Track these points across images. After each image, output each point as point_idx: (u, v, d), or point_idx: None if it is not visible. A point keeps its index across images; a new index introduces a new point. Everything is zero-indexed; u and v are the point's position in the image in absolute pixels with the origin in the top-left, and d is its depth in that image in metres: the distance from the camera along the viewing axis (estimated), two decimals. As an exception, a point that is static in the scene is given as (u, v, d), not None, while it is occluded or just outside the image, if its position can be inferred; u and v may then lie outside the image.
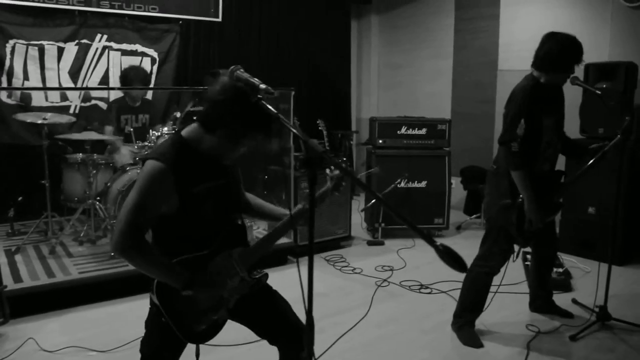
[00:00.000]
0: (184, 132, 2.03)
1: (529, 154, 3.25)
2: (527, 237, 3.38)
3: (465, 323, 3.58)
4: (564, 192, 3.45)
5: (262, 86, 1.87)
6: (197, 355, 2.17)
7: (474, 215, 6.29)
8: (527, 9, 6.26)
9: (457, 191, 6.48)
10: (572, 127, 5.23)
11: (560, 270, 4.51)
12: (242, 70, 1.99)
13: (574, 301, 4.07)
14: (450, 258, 1.49)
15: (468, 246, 5.28)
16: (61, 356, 3.23)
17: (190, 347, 2.12)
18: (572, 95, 5.27)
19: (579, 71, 4.91)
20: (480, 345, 3.45)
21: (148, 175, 1.88)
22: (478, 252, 3.59)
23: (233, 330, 2.24)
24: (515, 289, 4.32)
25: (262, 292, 2.22)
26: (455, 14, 7.06)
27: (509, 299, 4.13)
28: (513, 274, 4.63)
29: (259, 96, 1.90)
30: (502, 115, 3.43)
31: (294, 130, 1.82)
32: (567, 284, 4.35)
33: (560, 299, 4.10)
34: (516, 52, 6.32)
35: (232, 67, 1.98)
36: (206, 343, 2.10)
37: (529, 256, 4.82)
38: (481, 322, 3.67)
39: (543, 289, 3.93)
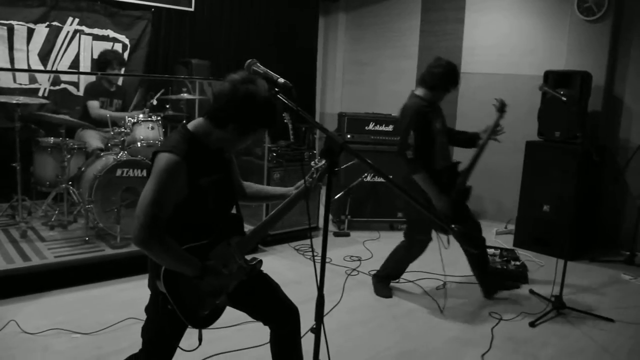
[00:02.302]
0: (190, 126, 2.11)
1: (427, 156, 3.82)
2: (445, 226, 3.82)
3: (383, 280, 4.28)
4: (465, 178, 4.02)
5: (281, 80, 1.99)
6: (200, 339, 2.26)
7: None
8: (491, 16, 6.54)
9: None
10: (530, 130, 5.57)
11: (518, 263, 4.81)
12: (258, 64, 2.10)
13: (532, 292, 4.37)
14: (465, 239, 1.66)
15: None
16: (44, 338, 3.25)
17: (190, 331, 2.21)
18: (531, 100, 5.63)
19: (539, 77, 5.28)
20: (390, 296, 4.19)
21: (165, 168, 1.94)
22: (406, 238, 4.18)
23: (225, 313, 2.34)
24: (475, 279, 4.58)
25: (256, 276, 2.33)
26: (421, 16, 7.28)
27: (471, 288, 4.39)
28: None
29: (275, 89, 2.02)
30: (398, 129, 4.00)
31: (314, 123, 1.96)
32: (525, 276, 4.64)
33: (518, 290, 4.44)
34: (479, 56, 6.62)
35: (248, 61, 2.09)
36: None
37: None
38: (447, 309, 3.93)
39: (486, 277, 4.36)
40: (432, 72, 3.86)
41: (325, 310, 3.75)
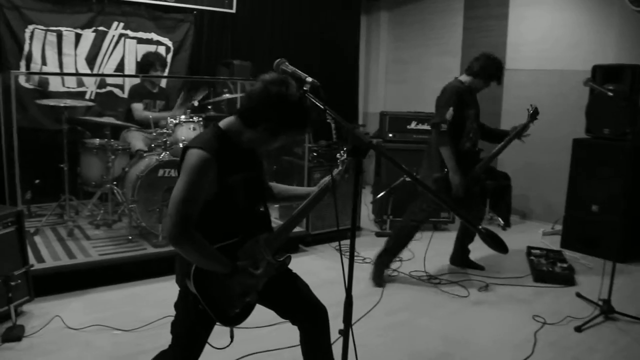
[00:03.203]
0: (222, 124, 2.11)
1: (455, 135, 4.11)
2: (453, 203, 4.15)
3: (382, 262, 4.39)
4: (483, 167, 4.33)
5: (309, 79, 1.97)
6: (232, 337, 2.27)
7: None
8: (535, 10, 6.36)
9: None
10: (577, 127, 5.38)
11: (565, 265, 4.66)
12: (287, 63, 2.09)
13: (578, 295, 4.20)
14: (493, 241, 1.60)
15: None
16: (87, 334, 3.34)
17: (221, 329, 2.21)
18: (578, 96, 5.43)
19: (586, 72, 5.09)
20: (382, 286, 4.30)
21: (195, 165, 1.93)
22: (409, 209, 4.44)
23: (257, 313, 2.32)
24: (520, 281, 4.48)
25: (284, 275, 2.32)
26: (464, 13, 7.16)
27: (515, 291, 4.28)
28: (517, 267, 4.79)
29: (304, 88, 2.01)
30: (435, 105, 4.24)
31: (341, 121, 1.93)
32: (571, 279, 4.48)
33: (564, 293, 4.27)
34: (523, 52, 6.44)
35: (277, 60, 2.08)
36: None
37: (532, 251, 5.00)
38: (487, 311, 3.82)
39: (462, 251, 4.78)
40: (478, 61, 4.20)
41: (364, 311, 3.78)
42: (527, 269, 4.77)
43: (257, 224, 2.22)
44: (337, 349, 2.29)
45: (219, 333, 2.22)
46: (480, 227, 1.62)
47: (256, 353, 3.14)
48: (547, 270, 4.57)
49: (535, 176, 6.43)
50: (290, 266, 2.34)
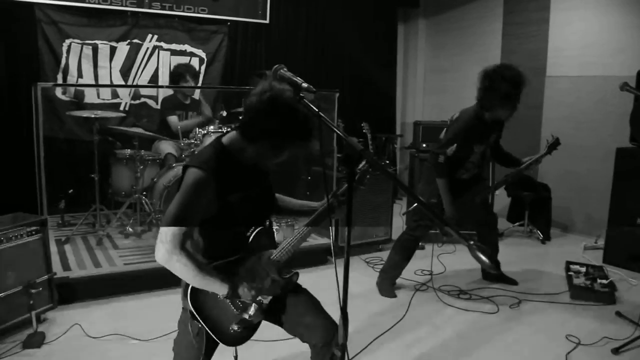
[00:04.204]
0: (224, 140, 2.06)
1: (453, 167, 3.91)
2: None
3: (387, 278, 4.33)
4: (486, 194, 4.26)
5: (305, 85, 1.89)
6: (236, 357, 2.21)
7: (517, 223, 6.18)
8: (578, 14, 6.10)
9: (501, 198, 6.37)
10: (622, 136, 5.11)
11: (605, 282, 4.39)
12: (285, 69, 2.02)
13: (618, 314, 3.94)
14: (480, 256, 1.50)
15: (509, 253, 5.24)
16: (104, 343, 3.35)
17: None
18: (623, 104, 5.16)
19: (630, 78, 4.82)
20: (394, 296, 4.22)
21: (192, 184, 1.90)
22: (407, 224, 4.39)
23: (266, 327, 2.27)
24: (555, 298, 4.25)
25: (293, 292, 2.24)
26: (504, 19, 6.95)
27: (549, 308, 4.08)
28: (554, 282, 4.56)
29: (300, 95, 1.93)
30: (446, 128, 4.02)
31: (335, 129, 1.85)
32: (612, 296, 4.22)
33: (603, 312, 4.02)
34: (566, 57, 6.19)
35: (275, 66, 2.02)
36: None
37: (571, 266, 4.76)
38: (516, 329, 3.63)
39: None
40: (478, 89, 3.71)
41: (387, 326, 3.65)
42: (565, 285, 4.53)
43: (260, 239, 2.14)
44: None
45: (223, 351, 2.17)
46: (471, 242, 1.52)
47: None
48: (586, 286, 4.32)
49: (576, 187, 6.14)
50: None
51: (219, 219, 1.98)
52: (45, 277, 3.55)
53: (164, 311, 3.82)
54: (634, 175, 4.95)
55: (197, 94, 6.13)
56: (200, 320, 1.97)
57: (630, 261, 4.94)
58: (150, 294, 4.13)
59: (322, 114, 1.87)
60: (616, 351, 3.38)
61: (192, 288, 1.95)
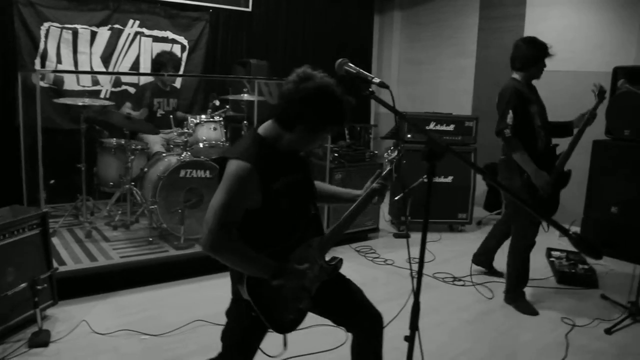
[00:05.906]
0: (260, 130, 2.07)
1: (524, 138, 3.76)
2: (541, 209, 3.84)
3: (518, 295, 4.02)
4: (563, 162, 3.95)
5: (376, 80, 1.93)
6: (285, 344, 2.23)
7: (495, 212, 6.39)
8: (553, 10, 6.29)
9: (479, 186, 6.55)
10: (597, 128, 5.32)
11: (586, 266, 4.62)
12: (350, 63, 2.04)
13: (603, 297, 4.17)
14: (585, 246, 1.58)
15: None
16: (115, 339, 3.28)
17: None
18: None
19: (606, 74, 5.03)
20: (536, 313, 3.90)
21: (235, 175, 1.91)
22: (512, 231, 4.09)
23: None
24: (542, 283, 4.45)
25: (337, 280, 2.27)
26: (480, 13, 7.09)
27: (539, 292, 4.26)
28: (538, 268, 4.73)
29: (370, 90, 1.96)
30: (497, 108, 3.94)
31: (410, 122, 1.89)
32: (594, 281, 4.45)
33: (588, 295, 4.26)
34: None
35: (339, 60, 2.03)
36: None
37: (552, 252, 4.97)
38: (514, 313, 3.84)
39: (491, 252, 4.60)
40: (518, 50, 3.89)
41: (393, 313, 3.72)
42: (548, 270, 4.75)
43: (308, 227, 2.16)
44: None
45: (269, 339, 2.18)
46: (571, 232, 1.61)
47: (293, 357, 3.07)
48: (571, 272, 4.53)
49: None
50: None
51: (265, 207, 1.99)
52: (48, 272, 3.44)
53: (168, 305, 3.81)
54: (609, 166, 5.21)
55: (178, 83, 6.03)
56: (256, 309, 1.98)
57: (604, 247, 5.18)
58: (150, 287, 4.06)
59: (397, 109, 1.93)
60: (609, 331, 3.62)
61: (249, 278, 1.96)
